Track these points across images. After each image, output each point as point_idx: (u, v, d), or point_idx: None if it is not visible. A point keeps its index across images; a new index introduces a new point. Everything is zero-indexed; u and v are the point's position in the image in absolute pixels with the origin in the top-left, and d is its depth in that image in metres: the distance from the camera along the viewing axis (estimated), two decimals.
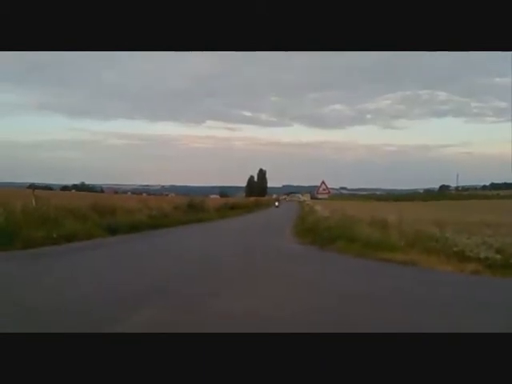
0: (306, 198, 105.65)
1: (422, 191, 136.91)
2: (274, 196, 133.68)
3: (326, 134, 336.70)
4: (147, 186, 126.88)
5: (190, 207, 32.36)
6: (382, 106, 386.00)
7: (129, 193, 74.83)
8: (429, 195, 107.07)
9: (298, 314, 6.59)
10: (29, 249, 12.76)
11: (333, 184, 79.01)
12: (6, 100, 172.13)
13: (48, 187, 64.94)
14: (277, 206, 66.89)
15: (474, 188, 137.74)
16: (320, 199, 29.65)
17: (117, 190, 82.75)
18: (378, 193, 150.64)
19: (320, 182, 25.34)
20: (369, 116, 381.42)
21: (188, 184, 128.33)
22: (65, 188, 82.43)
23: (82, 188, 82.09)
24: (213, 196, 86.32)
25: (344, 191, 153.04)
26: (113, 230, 17.99)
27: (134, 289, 8.05)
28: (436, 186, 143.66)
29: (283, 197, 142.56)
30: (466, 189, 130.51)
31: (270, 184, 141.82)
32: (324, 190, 24.33)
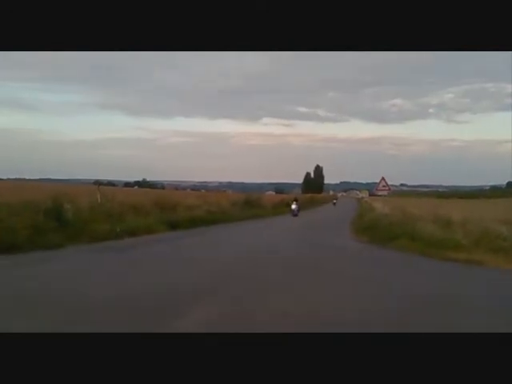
0: (364, 194, 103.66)
1: (487, 188, 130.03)
2: (331, 193, 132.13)
3: (384, 129, 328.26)
4: (205, 182, 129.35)
5: (247, 203, 32.71)
6: (445, 99, 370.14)
7: (188, 189, 76.63)
8: (495, 192, 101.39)
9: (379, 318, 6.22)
10: (94, 242, 13.38)
11: (392, 181, 75.27)
12: (71, 100, 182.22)
13: (111, 184, 67.72)
14: (334, 204, 62.18)
15: None
16: (379, 196, 28.94)
17: (177, 187, 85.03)
18: (440, 190, 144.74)
19: (379, 178, 24.75)
20: (431, 110, 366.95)
21: (245, 181, 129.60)
22: (127, 184, 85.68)
23: (143, 184, 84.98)
24: (268, 192, 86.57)
25: (404, 188, 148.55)
26: (173, 225, 18.51)
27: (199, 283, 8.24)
28: (503, 182, 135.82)
29: (340, 193, 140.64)
30: None
31: (326, 180, 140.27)
32: (384, 186, 23.73)
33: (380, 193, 25.18)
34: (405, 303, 7.16)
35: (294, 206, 33.85)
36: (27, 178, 65.40)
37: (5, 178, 57.15)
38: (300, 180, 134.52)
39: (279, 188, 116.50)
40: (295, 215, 32.79)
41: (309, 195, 75.94)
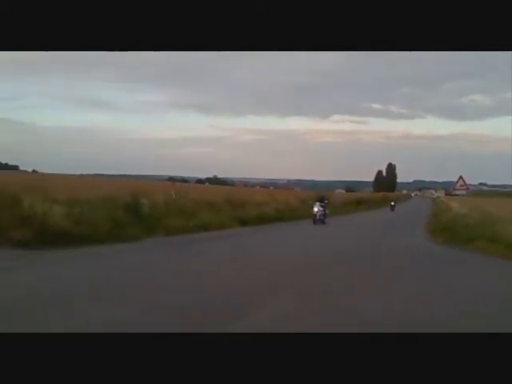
0: (440, 194, 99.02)
1: None
2: (404, 192, 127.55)
3: (462, 126, 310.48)
4: (274, 179, 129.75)
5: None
6: None
7: (257, 186, 77.39)
8: None
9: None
10: (169, 236, 13.95)
11: (471, 180, 70.45)
12: (147, 99, 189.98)
13: (184, 180, 69.89)
14: (392, 206, 44.27)
15: None
16: (456, 196, 27.54)
17: (246, 184, 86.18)
18: None
19: (457, 177, 23.58)
20: None
21: (314, 178, 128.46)
22: (199, 181, 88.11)
23: (214, 181, 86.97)
24: (338, 191, 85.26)
25: (484, 187, 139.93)
26: (243, 222, 18.83)
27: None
28: None
29: (414, 193, 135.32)
30: None
31: (399, 179, 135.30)
32: (462, 185, 22.59)
33: (457, 192, 23.94)
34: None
35: (316, 209, 22.50)
36: (106, 174, 69.20)
37: (85, 174, 60.92)
38: (371, 178, 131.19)
39: (350, 186, 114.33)
40: (320, 221, 22.15)
41: (381, 194, 73.84)
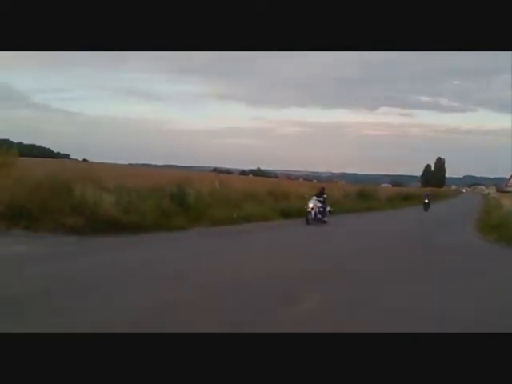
0: (491, 190, 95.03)
1: None
2: (453, 187, 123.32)
3: None
4: (318, 172, 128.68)
5: (361, 195, 31.91)
6: None
7: (300, 179, 76.94)
8: None
9: None
10: (213, 226, 14.15)
11: None
12: (193, 90, 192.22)
13: (228, 171, 70.42)
14: (425, 207, 31.86)
15: None
16: (508, 192, 26.39)
17: (289, 176, 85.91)
18: None
19: (509, 173, 22.59)
20: None
21: (358, 172, 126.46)
22: (243, 173, 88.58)
23: (257, 173, 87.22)
24: (384, 185, 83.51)
25: None
26: (286, 214, 18.80)
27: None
28: None
29: (464, 188, 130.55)
30: None
31: (448, 174, 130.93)
32: None
33: (510, 189, 22.94)
34: None
35: (311, 205, 18.00)
36: (152, 163, 70.76)
37: (133, 163, 62.51)
38: (419, 173, 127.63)
39: (396, 180, 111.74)
40: (318, 220, 17.94)
41: (429, 189, 71.59)
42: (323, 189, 19.90)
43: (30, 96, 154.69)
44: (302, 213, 17.92)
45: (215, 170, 32.83)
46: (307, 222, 17.27)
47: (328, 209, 18.95)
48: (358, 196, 31.60)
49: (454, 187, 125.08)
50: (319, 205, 18.20)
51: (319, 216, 18.04)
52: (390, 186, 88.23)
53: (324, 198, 18.78)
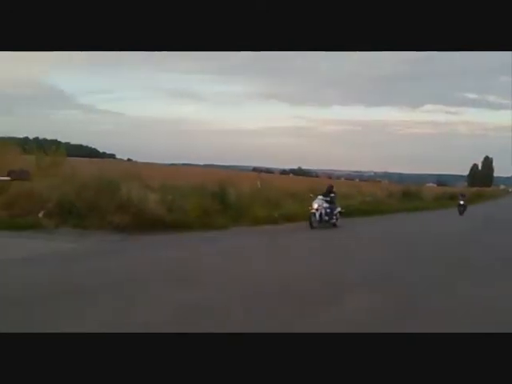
0: None
1: None
2: (502, 187, 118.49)
3: None
4: (360, 171, 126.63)
5: (405, 195, 31.17)
6: None
7: (342, 178, 76.03)
8: None
9: None
10: (254, 225, 14.19)
11: None
12: (232, 90, 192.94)
13: (269, 171, 70.50)
14: (461, 206, 26.14)
15: None
16: None
17: (330, 175, 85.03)
18: None
19: None
20: None
21: (402, 171, 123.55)
22: (283, 172, 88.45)
23: (298, 172, 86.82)
24: (429, 184, 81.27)
25: None
26: None
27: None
28: None
29: None
30: None
31: (496, 173, 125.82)
32: None
33: None
34: None
35: (316, 205, 15.70)
36: (194, 163, 71.75)
37: (175, 163, 63.58)
38: (465, 172, 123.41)
39: (441, 180, 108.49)
40: (324, 222, 15.81)
41: (476, 189, 69.12)
42: (331, 187, 17.33)
43: (77, 97, 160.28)
44: (345, 213, 17.52)
45: (255, 169, 32.92)
46: (311, 226, 15.13)
47: (338, 209, 16.75)
48: (403, 195, 30.87)
49: (502, 187, 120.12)
50: (326, 205, 15.94)
51: (326, 218, 15.81)
52: (435, 185, 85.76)
53: (331, 197, 16.41)
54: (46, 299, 5.58)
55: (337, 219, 16.45)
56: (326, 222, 15.78)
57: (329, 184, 17.81)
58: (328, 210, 15.97)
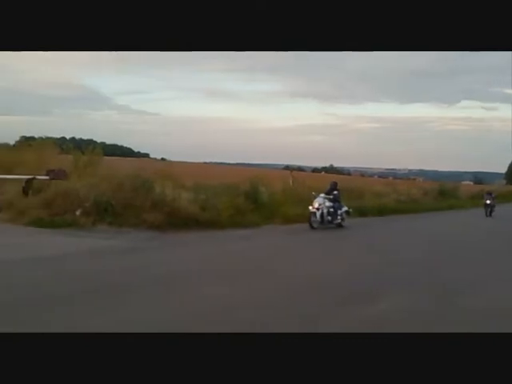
0: None
1: None
2: None
3: None
4: (394, 169, 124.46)
5: (441, 193, 30.41)
6: None
7: (375, 176, 74.93)
8: None
9: None
10: (286, 224, 14.17)
11: None
12: (263, 89, 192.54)
13: (301, 169, 70.17)
14: (487, 205, 23.44)
15: None
16: None
17: (363, 173, 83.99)
18: None
19: None
20: None
21: (438, 169, 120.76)
22: (315, 170, 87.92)
23: (330, 170, 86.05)
24: (465, 182, 79.10)
25: None
26: (362, 212, 18.37)
27: None
28: None
29: None
30: None
31: None
32: None
33: None
34: None
35: (317, 204, 14.49)
36: (226, 162, 72.17)
37: (207, 162, 64.17)
38: (503, 170, 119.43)
39: (478, 177, 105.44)
40: (327, 222, 14.56)
41: (491, 187, 66.61)
42: (335, 184, 15.79)
43: (113, 98, 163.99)
44: (379, 211, 17.31)
45: (287, 167, 32.81)
46: (311, 226, 13.91)
47: (344, 209, 15.41)
48: (438, 194, 30.11)
49: None
50: (328, 204, 14.59)
51: (328, 218, 14.49)
52: (472, 183, 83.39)
53: (335, 194, 15.03)
54: (106, 292, 5.94)
55: (342, 219, 15.19)
56: (328, 223, 14.56)
57: (333, 181, 16.34)
58: (331, 210, 14.68)
